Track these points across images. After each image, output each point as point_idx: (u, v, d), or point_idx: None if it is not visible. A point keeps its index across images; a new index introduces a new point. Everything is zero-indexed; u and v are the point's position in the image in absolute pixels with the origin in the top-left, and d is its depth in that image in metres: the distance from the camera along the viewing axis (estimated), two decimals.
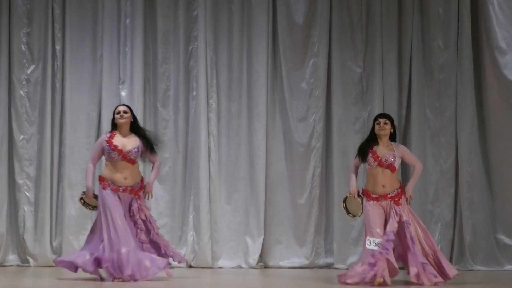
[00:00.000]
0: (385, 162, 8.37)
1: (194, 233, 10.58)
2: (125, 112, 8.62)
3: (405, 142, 10.48)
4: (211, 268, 10.43)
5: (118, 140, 8.54)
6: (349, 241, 10.52)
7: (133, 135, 8.64)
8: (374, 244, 8.05)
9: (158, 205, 10.62)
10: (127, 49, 10.69)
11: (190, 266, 10.47)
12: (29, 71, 10.68)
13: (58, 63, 10.66)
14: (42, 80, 10.64)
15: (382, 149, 8.46)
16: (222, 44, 10.69)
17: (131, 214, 8.46)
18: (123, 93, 10.61)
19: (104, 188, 8.45)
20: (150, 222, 8.60)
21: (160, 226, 10.40)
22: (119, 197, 8.44)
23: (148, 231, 8.60)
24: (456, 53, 10.45)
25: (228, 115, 10.71)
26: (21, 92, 10.66)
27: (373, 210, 8.31)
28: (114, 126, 8.65)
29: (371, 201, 8.38)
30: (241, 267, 10.47)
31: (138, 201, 8.54)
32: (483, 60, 10.40)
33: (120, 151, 8.47)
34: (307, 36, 10.67)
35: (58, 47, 10.67)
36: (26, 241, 10.55)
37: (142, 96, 10.65)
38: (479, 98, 10.47)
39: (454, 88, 10.45)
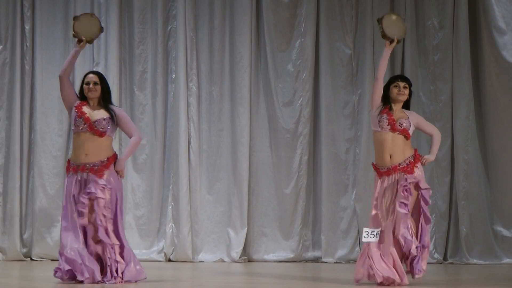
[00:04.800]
0: (399, 127, 7.53)
1: (173, 225, 10.47)
2: (95, 84, 7.59)
3: None
4: (191, 262, 10.36)
5: (86, 110, 7.53)
6: (338, 233, 10.43)
7: (103, 108, 7.57)
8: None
9: (135, 195, 10.57)
10: None
11: (169, 260, 10.46)
12: None
13: (27, 44, 10.55)
14: (10, 61, 10.52)
15: (397, 114, 7.59)
16: (203, 23, 10.62)
17: (76, 200, 7.27)
18: None
19: (67, 174, 7.49)
20: (103, 212, 7.28)
21: (137, 217, 10.16)
22: (79, 180, 7.38)
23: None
24: (452, 33, 10.37)
25: (209, 99, 10.60)
26: None
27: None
28: (82, 96, 7.62)
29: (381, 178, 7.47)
30: (223, 261, 10.42)
31: (98, 180, 7.31)
32: (481, 41, 10.31)
33: (87, 119, 7.48)
34: (293, 15, 10.57)
35: (27, 27, 10.55)
36: None
37: (118, 79, 10.54)
38: (476, 81, 10.39)
39: (449, 71, 10.38)
